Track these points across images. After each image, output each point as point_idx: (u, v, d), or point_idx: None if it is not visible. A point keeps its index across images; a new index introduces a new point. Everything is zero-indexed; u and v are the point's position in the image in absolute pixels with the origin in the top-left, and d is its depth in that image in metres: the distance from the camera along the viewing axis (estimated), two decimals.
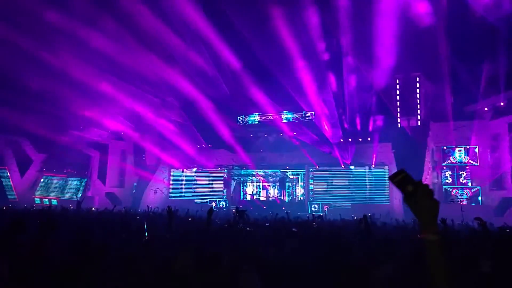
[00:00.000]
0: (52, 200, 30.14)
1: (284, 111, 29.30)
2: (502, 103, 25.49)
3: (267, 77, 28.31)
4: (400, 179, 1.45)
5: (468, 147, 26.37)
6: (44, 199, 30.79)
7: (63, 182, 31.89)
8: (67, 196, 30.65)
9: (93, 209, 18.23)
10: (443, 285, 1.33)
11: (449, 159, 26.74)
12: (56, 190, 31.68)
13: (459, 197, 25.43)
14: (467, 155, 26.47)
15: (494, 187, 25.95)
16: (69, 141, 30.44)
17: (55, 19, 23.91)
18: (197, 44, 27.57)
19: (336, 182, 28.04)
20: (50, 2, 23.43)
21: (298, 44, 26.70)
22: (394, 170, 26.31)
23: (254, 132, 30.34)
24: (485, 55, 25.00)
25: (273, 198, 29.43)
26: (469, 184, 26.27)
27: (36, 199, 30.85)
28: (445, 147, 26.94)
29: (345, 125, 28.30)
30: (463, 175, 26.53)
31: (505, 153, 25.31)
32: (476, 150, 26.23)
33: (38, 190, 31.74)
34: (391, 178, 1.47)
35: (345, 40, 27.15)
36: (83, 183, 31.38)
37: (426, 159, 25.84)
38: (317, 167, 28.20)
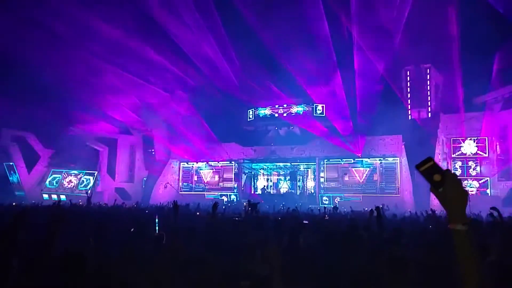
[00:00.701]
0: (61, 195, 29.93)
1: (295, 104, 29.24)
2: (510, 94, 25.72)
3: (277, 69, 28.19)
4: (427, 168, 1.42)
5: (477, 138, 26.62)
6: (52, 195, 30.55)
7: (72, 177, 31.62)
8: (76, 191, 30.44)
9: (103, 204, 18.16)
10: (473, 276, 1.31)
11: (459, 151, 26.96)
12: (65, 185, 31.43)
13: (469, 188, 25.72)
14: (477, 146, 26.74)
15: (503, 178, 26.26)
16: (77, 135, 30.15)
17: (63, 10, 23.51)
18: (207, 36, 27.33)
19: (346, 174, 28.17)
20: None
21: (309, 36, 26.61)
22: (405, 162, 26.65)
23: (265, 125, 30.28)
24: (495, 45, 25.16)
25: (284, 191, 29.50)
26: (478, 175, 26.55)
27: (44, 195, 30.58)
28: (455, 139, 27.18)
29: (356, 117, 28.34)
30: (472, 166, 26.79)
31: None
32: (486, 141, 26.51)
33: (46, 186, 31.45)
34: (418, 166, 1.45)
35: (355, 31, 27.08)
36: (92, 178, 31.15)
37: (436, 150, 26.03)
38: (328, 159, 28.28)
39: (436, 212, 9.60)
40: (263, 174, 30.48)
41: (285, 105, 29.09)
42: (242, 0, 26.00)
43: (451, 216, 1.37)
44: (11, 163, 30.72)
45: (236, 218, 8.39)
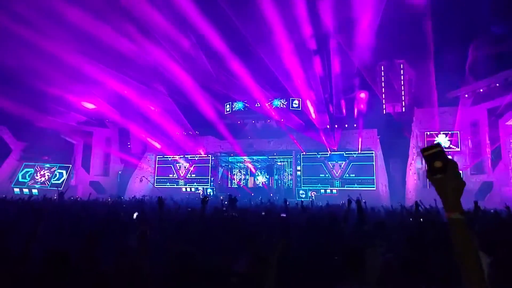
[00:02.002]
0: (33, 190, 29.23)
1: (272, 98, 29.36)
2: (481, 90, 26.34)
3: (254, 63, 28.31)
4: (431, 153, 1.39)
5: (450, 132, 27.12)
6: (24, 189, 29.81)
7: (45, 171, 30.93)
8: (49, 185, 29.77)
9: (78, 198, 17.72)
10: (472, 265, 1.31)
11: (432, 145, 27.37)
12: (37, 179, 30.71)
13: None
14: (449, 140, 27.23)
15: (475, 172, 26.78)
16: (51, 128, 29.55)
17: None
18: (184, 28, 27.27)
19: (322, 168, 28.31)
20: None
21: (285, 29, 26.80)
22: (380, 155, 26.98)
23: (242, 118, 30.29)
24: (467, 41, 25.81)
25: (261, 184, 29.45)
26: None
27: (15, 189, 29.81)
28: (428, 133, 27.63)
29: (331, 111, 28.62)
30: None
31: (485, 139, 26.19)
32: (458, 135, 27.02)
33: (18, 180, 30.68)
34: (423, 150, 1.41)
35: (331, 26, 27.46)
36: (66, 171, 30.52)
37: (410, 144, 26.43)
38: (304, 153, 28.40)
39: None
40: (240, 167, 30.38)
41: (262, 99, 29.14)
42: None
43: (448, 205, 1.36)
44: None
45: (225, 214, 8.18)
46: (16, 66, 24.83)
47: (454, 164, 1.37)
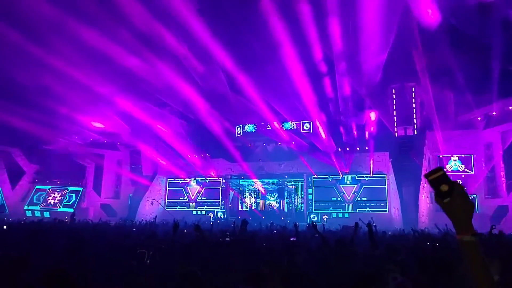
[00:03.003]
0: (45, 212, 29.36)
1: (283, 121, 29.40)
2: (494, 113, 26.18)
3: (265, 86, 28.42)
4: (436, 178, 1.42)
5: (463, 156, 26.88)
6: (35, 211, 29.95)
7: (56, 193, 31.11)
8: (61, 208, 29.90)
9: (90, 221, 17.74)
10: (486, 285, 1.31)
11: (445, 168, 27.11)
12: (49, 201, 30.87)
13: None
14: (463, 164, 26.97)
15: (490, 195, 26.41)
16: (63, 150, 29.83)
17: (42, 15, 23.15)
18: (196, 50, 27.54)
19: (334, 191, 28.10)
20: None
21: (295, 52, 26.94)
22: (393, 179, 26.72)
23: (253, 141, 30.31)
24: (479, 65, 25.70)
25: (272, 208, 29.25)
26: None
27: (27, 211, 29.98)
28: (441, 156, 27.41)
29: (343, 135, 28.53)
30: None
31: (499, 162, 25.91)
32: (471, 158, 26.76)
33: (30, 202, 30.86)
34: (427, 175, 1.44)
35: (341, 48, 27.55)
36: (78, 194, 30.67)
37: (422, 168, 26.18)
38: (316, 176, 28.24)
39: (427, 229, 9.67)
40: (250, 190, 30.25)
41: (272, 122, 29.20)
42: (234, 16, 26.33)
43: (458, 227, 1.37)
44: None
45: (227, 239, 8.18)
46: (30, 88, 25.15)
47: (460, 186, 1.39)
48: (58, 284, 2.72)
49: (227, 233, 8.73)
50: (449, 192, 1.38)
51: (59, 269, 2.84)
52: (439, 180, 1.41)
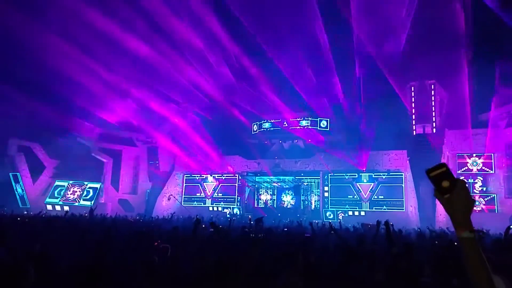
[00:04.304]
0: (64, 207, 29.96)
1: (299, 118, 29.32)
2: None
3: (282, 83, 28.42)
4: (438, 174, 1.40)
5: (483, 154, 26.43)
6: (56, 206, 30.60)
7: (76, 188, 31.71)
8: (80, 202, 30.48)
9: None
10: (483, 283, 1.29)
11: (465, 167, 26.74)
12: (69, 196, 31.49)
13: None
14: (483, 163, 26.53)
15: (510, 195, 25.94)
16: (82, 146, 30.37)
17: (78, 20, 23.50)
18: (215, 50, 27.69)
19: (350, 189, 27.95)
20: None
21: (315, 51, 26.88)
22: (410, 177, 26.45)
23: (269, 138, 30.31)
24: (501, 63, 25.20)
25: (288, 205, 29.28)
26: (485, 191, 26.28)
27: (48, 206, 30.63)
28: (460, 154, 27.00)
29: (360, 132, 28.31)
30: (478, 183, 26.53)
31: None
32: (492, 157, 26.30)
33: (50, 196, 31.54)
34: (428, 171, 1.43)
35: (361, 47, 27.34)
36: (96, 189, 31.21)
37: None
38: (332, 173, 28.13)
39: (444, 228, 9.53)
40: (266, 187, 30.31)
41: (289, 119, 29.14)
42: (248, 17, 26.39)
43: (457, 223, 1.38)
44: (16, 173, 30.91)
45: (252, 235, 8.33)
46: (52, 87, 25.57)
47: (462, 182, 1.40)
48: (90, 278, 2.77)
49: (246, 229, 8.79)
50: (450, 188, 1.38)
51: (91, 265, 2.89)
52: (441, 176, 1.40)
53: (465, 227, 1.36)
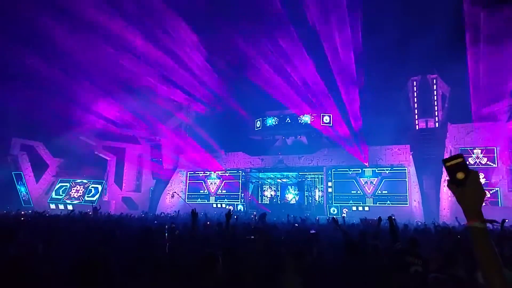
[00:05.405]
0: (68, 206, 29.94)
1: (302, 114, 29.37)
2: None
3: (286, 80, 28.47)
4: (453, 164, 1.39)
5: (486, 148, 26.50)
6: (59, 205, 30.57)
7: (79, 186, 31.68)
8: (84, 200, 30.45)
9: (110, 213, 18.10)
10: (493, 273, 1.31)
11: (467, 161, 26.78)
12: (72, 194, 31.45)
13: None
14: (485, 157, 26.59)
15: None
16: (85, 144, 30.32)
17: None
18: (216, 48, 27.73)
19: (354, 184, 27.99)
20: None
21: (316, 46, 26.95)
22: (413, 172, 26.52)
23: (272, 134, 30.35)
24: (503, 56, 25.31)
25: (292, 201, 29.29)
26: (488, 185, 26.34)
27: (51, 204, 30.60)
28: (463, 148, 27.05)
29: (363, 127, 28.40)
30: (481, 176, 26.57)
31: None
32: (494, 151, 26.37)
33: (53, 195, 31.49)
34: (445, 161, 1.41)
35: (362, 42, 27.43)
36: (100, 187, 31.18)
37: None
38: (336, 169, 28.16)
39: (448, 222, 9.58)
40: (270, 183, 30.32)
41: (292, 115, 29.19)
42: (252, 15, 26.45)
43: (469, 213, 1.39)
44: (19, 173, 30.87)
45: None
46: (54, 85, 25.57)
47: (475, 174, 1.39)
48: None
49: (252, 227, 8.75)
50: (464, 180, 1.37)
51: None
52: (457, 167, 1.39)
53: (476, 218, 1.37)
